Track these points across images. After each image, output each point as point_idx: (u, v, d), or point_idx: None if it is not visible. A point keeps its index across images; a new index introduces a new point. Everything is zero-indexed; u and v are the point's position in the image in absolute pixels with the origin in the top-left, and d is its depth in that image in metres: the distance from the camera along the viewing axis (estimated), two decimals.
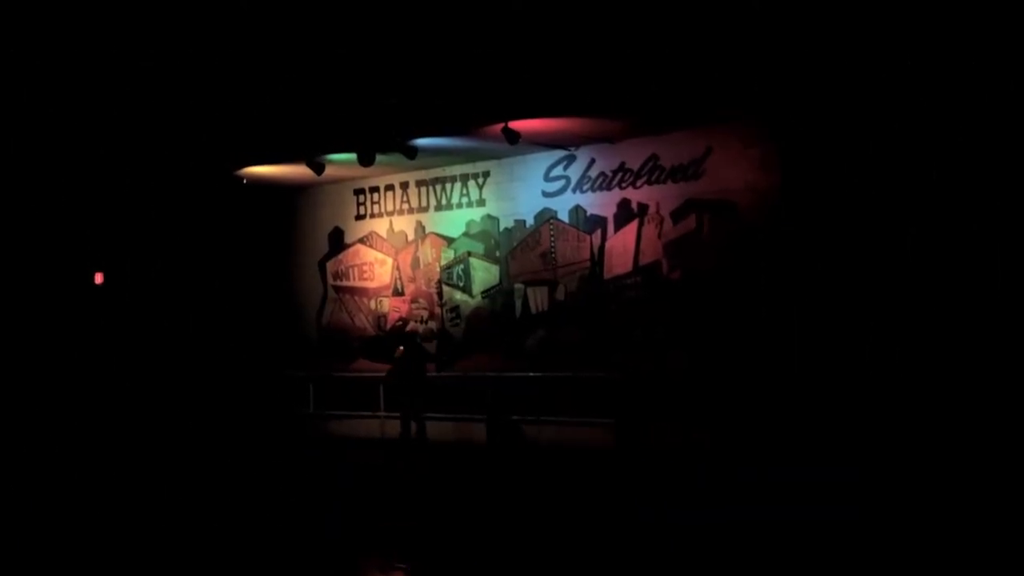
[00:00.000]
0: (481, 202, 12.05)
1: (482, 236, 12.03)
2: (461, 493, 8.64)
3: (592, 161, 11.08)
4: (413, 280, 12.67)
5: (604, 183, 10.99)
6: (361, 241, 13.28)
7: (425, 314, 12.50)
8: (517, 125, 9.72)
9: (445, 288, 12.33)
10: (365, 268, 13.22)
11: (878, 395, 8.70)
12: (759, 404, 9.34)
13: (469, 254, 12.13)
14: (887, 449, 8.36)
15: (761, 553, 6.06)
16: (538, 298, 11.46)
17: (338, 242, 13.54)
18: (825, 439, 8.68)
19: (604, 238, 10.99)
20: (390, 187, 12.95)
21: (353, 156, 10.88)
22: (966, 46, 7.70)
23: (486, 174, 12.00)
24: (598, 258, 11.03)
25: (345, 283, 13.43)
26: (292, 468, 10.34)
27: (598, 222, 11.05)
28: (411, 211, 12.75)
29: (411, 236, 12.73)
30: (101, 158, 11.29)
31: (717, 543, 6.33)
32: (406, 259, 12.77)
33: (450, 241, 12.33)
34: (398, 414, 11.20)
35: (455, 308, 12.22)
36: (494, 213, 11.93)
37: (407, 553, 6.66)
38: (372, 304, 13.09)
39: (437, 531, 7.19)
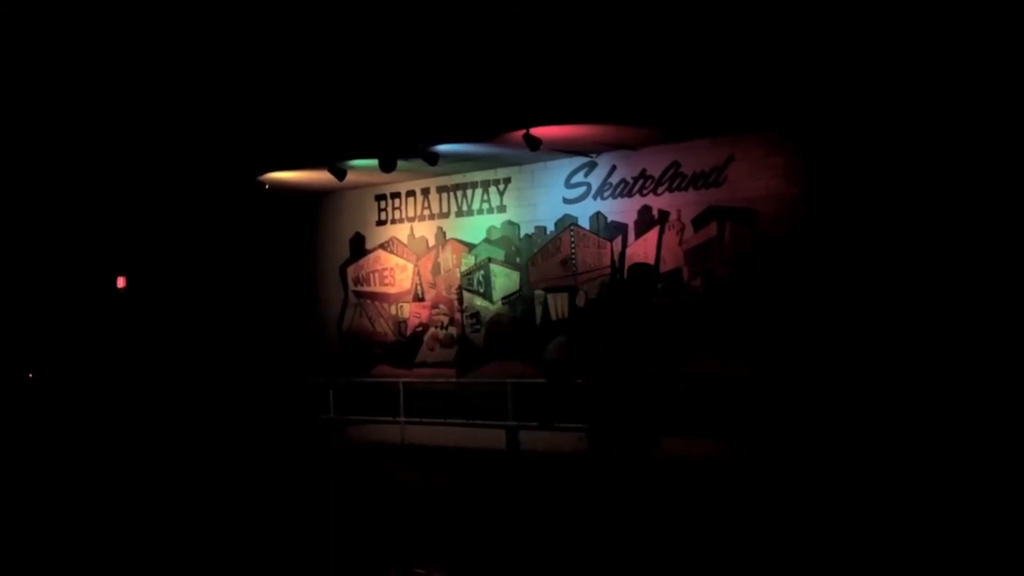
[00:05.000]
0: (502, 208, 12.06)
1: (503, 242, 12.04)
2: None
3: (613, 168, 11.07)
4: (434, 286, 12.69)
5: (625, 190, 10.98)
6: (382, 247, 13.32)
7: (445, 320, 12.52)
8: (538, 132, 9.72)
9: (465, 294, 12.34)
10: (386, 274, 13.25)
11: (897, 406, 8.62)
12: (781, 412, 9.28)
13: (489, 260, 12.13)
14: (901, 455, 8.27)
15: None
16: (558, 305, 11.45)
17: (359, 247, 13.59)
18: (848, 447, 8.61)
19: (625, 245, 10.97)
20: (411, 193, 12.99)
21: (374, 162, 10.91)
22: (996, 57, 7.64)
23: (507, 180, 12.01)
24: (619, 265, 11.00)
25: (366, 288, 13.47)
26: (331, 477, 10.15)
27: (619, 229, 11.03)
28: (432, 217, 12.78)
29: (432, 242, 12.76)
30: (124, 163, 11.39)
31: None
32: (427, 265, 12.79)
33: (471, 247, 12.34)
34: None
35: (475, 314, 12.23)
36: (515, 219, 11.94)
37: None
38: (393, 310, 13.12)
39: None
